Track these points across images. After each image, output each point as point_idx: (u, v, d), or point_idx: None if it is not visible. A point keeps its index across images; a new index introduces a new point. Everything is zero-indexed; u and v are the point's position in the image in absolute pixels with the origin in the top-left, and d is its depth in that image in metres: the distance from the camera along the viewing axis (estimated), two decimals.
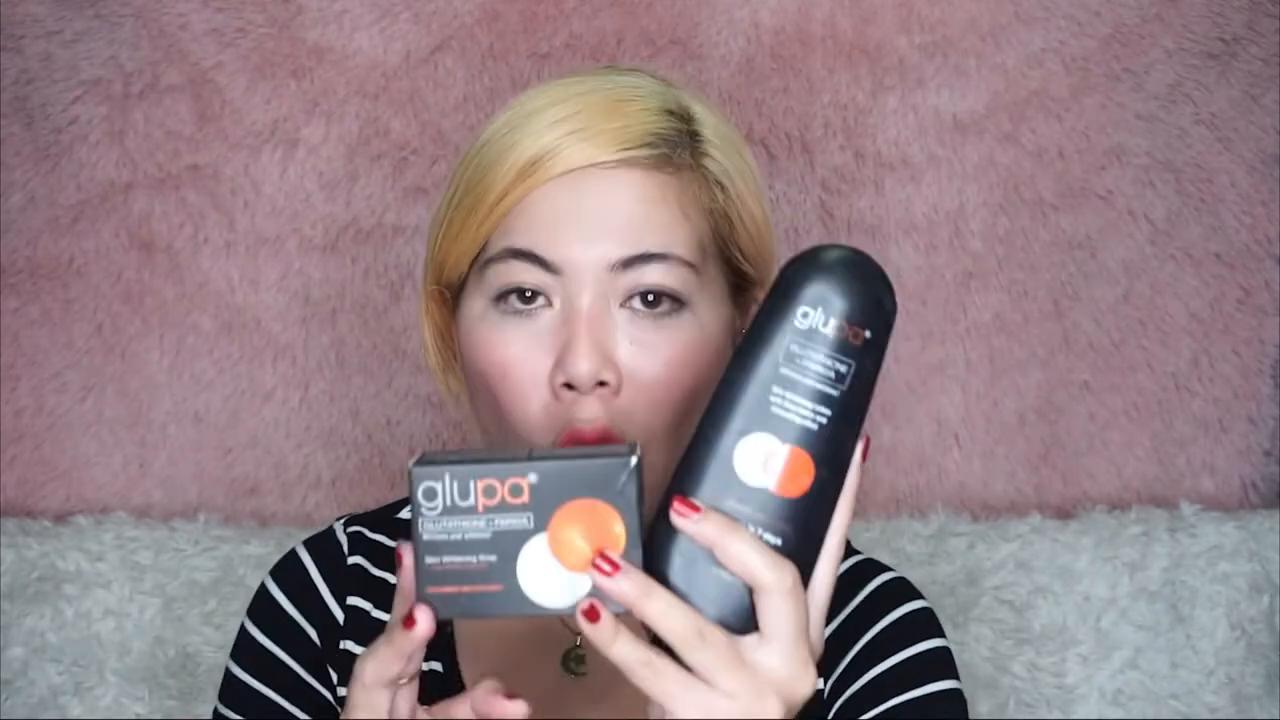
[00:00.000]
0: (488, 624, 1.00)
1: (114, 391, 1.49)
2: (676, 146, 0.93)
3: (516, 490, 0.72)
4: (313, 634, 1.02)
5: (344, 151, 1.49)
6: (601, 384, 0.89)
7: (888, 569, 1.02)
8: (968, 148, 1.50)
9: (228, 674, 1.03)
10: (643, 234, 0.90)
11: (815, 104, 1.50)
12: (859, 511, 1.48)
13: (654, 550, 0.73)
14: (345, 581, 1.02)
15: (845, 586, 0.99)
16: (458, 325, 0.97)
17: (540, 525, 0.72)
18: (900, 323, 1.49)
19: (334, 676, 1.01)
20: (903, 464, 1.51)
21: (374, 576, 1.03)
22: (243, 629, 1.04)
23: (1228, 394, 1.51)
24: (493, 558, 0.72)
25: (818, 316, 0.72)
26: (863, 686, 0.96)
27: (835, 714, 0.96)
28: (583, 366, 0.88)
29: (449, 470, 0.72)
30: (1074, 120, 1.50)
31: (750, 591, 0.73)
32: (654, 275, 0.90)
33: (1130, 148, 1.50)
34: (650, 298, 0.90)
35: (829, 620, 0.96)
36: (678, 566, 0.73)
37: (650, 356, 0.90)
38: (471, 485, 0.72)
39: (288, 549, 1.06)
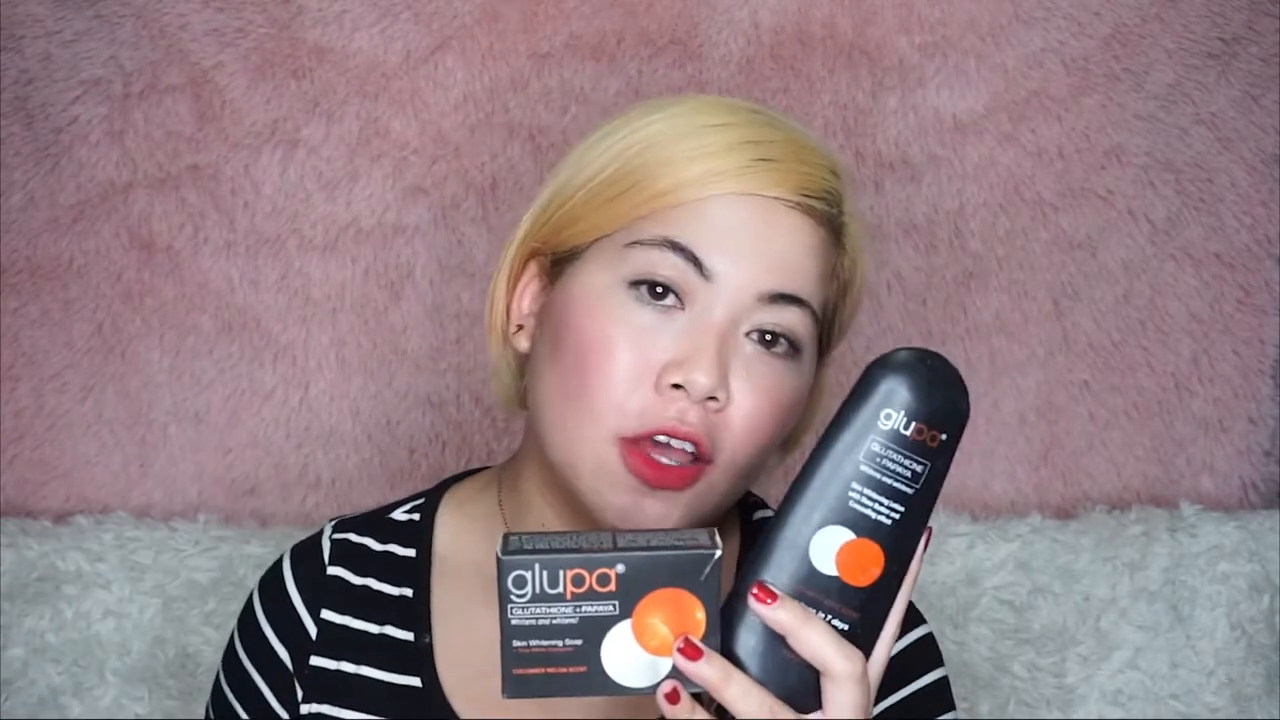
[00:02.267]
0: (466, 634, 0.99)
1: (114, 391, 1.49)
2: (838, 210, 0.96)
3: (604, 580, 0.76)
4: (284, 655, 1.01)
5: (344, 151, 1.49)
6: (712, 399, 0.90)
7: None
8: (968, 148, 1.50)
9: (217, 680, 1.04)
10: (796, 277, 0.93)
11: (815, 104, 1.50)
12: None
13: (727, 625, 0.78)
14: (321, 594, 1.01)
15: None
16: (560, 291, 0.95)
17: (626, 612, 0.76)
18: (900, 322, 1.50)
19: (299, 693, 0.99)
20: None
21: (354, 586, 1.01)
22: (232, 637, 1.04)
23: (1228, 394, 1.51)
24: (579, 642, 0.76)
25: (900, 419, 0.78)
26: None
27: None
28: (707, 375, 0.89)
29: (539, 560, 0.76)
30: (1074, 120, 1.50)
31: (816, 674, 0.78)
32: (789, 318, 0.92)
33: (1130, 148, 1.50)
34: (770, 338, 0.92)
35: None
36: (749, 646, 0.78)
37: (760, 391, 0.91)
38: (561, 574, 0.76)
39: (287, 548, 1.06)
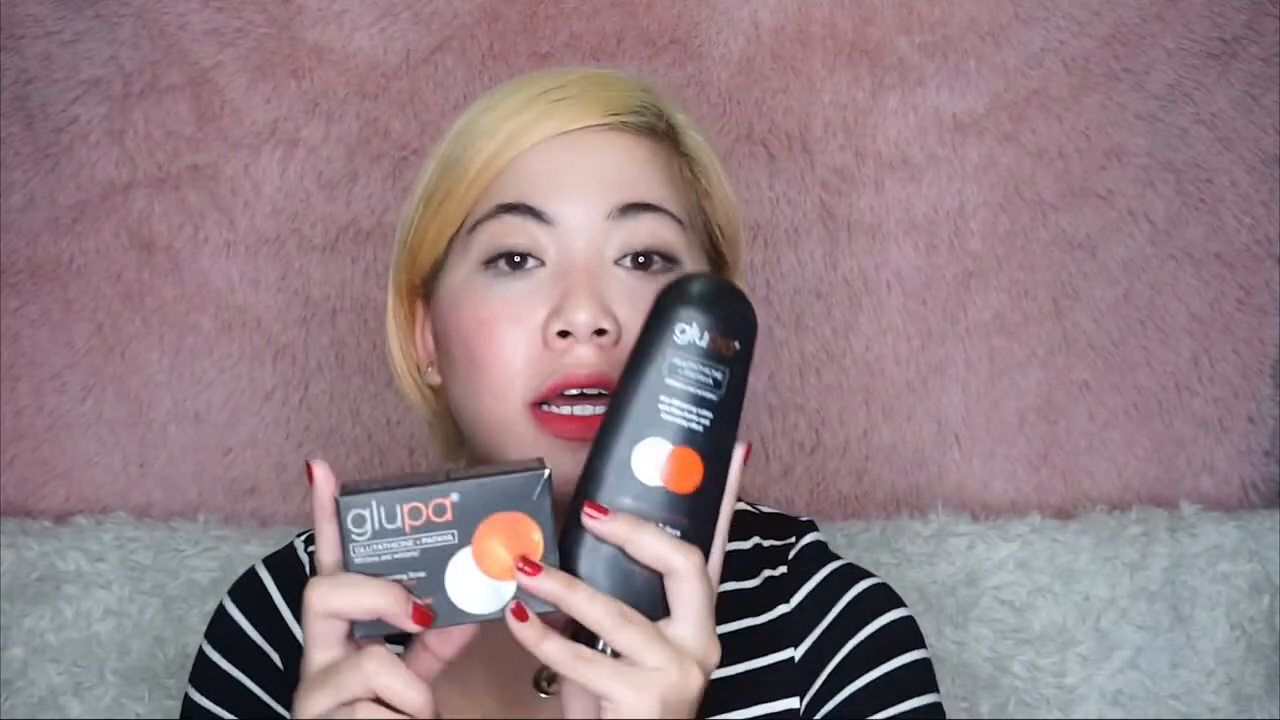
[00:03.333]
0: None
1: (114, 391, 1.49)
2: (659, 119, 0.96)
3: (440, 510, 0.77)
4: (275, 657, 0.99)
5: (344, 151, 1.49)
6: (600, 332, 0.89)
7: (869, 575, 1.00)
8: (968, 147, 1.50)
9: (185, 700, 1.01)
10: (636, 185, 0.93)
11: (815, 104, 1.50)
12: (859, 512, 1.49)
13: (568, 552, 0.80)
14: None
15: (825, 593, 0.98)
16: (434, 306, 0.96)
17: (465, 540, 0.78)
18: (900, 322, 1.50)
19: None
20: (903, 464, 1.51)
21: None
22: (200, 653, 1.01)
23: (1228, 394, 1.51)
24: (422, 574, 0.77)
25: (694, 332, 0.81)
26: (841, 702, 0.94)
27: None
28: (583, 312, 0.89)
29: (375, 497, 0.77)
30: (1074, 120, 1.50)
31: (659, 580, 0.80)
32: (647, 225, 0.92)
33: (1130, 148, 1.50)
34: (642, 259, 0.92)
35: (810, 630, 0.97)
36: (591, 565, 0.80)
37: (645, 311, 0.89)
38: (398, 509, 0.77)
39: (255, 564, 1.04)
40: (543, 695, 0.97)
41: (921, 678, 0.97)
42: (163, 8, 1.47)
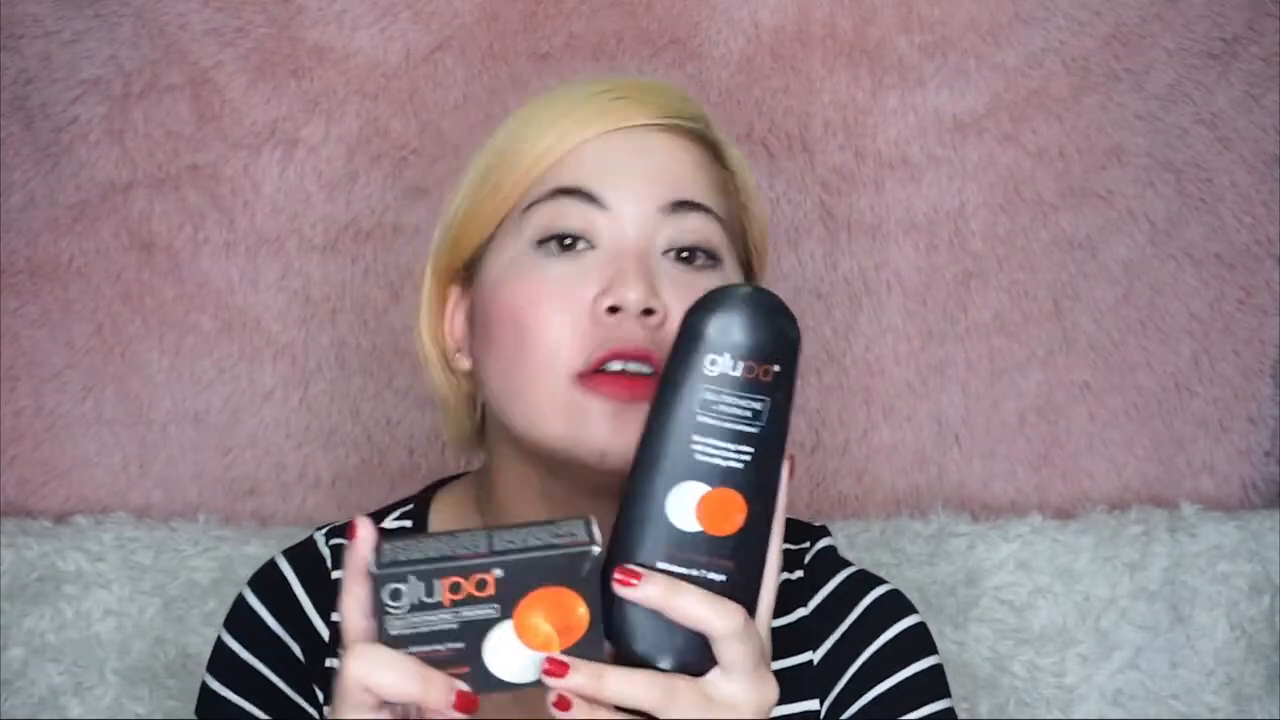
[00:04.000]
0: None
1: (114, 391, 1.49)
2: (705, 125, 0.99)
3: (481, 585, 0.74)
4: (296, 649, 1.00)
5: (344, 151, 1.49)
6: (648, 312, 0.91)
7: (882, 581, 1.02)
8: (968, 147, 1.50)
9: (204, 689, 1.01)
10: (687, 185, 0.96)
11: (815, 104, 1.50)
12: (859, 512, 1.49)
13: (611, 618, 0.76)
14: (330, 596, 1.00)
15: (839, 602, 1.00)
16: (476, 287, 0.98)
17: (506, 614, 0.75)
18: (900, 322, 1.50)
19: (320, 695, 0.99)
20: (903, 464, 1.51)
21: None
22: (220, 642, 1.02)
23: (1228, 394, 1.51)
24: (460, 645, 0.75)
25: (725, 362, 0.76)
26: (859, 710, 0.96)
27: None
28: (636, 289, 0.90)
29: (413, 571, 0.74)
30: (1074, 120, 1.50)
31: (704, 640, 0.76)
32: (695, 223, 0.95)
33: (1130, 148, 1.50)
34: (686, 254, 0.94)
35: (828, 635, 0.99)
36: (632, 625, 0.76)
37: (693, 298, 0.90)
38: (436, 584, 0.74)
39: (275, 555, 1.04)
40: None
41: (935, 684, 0.98)
42: (163, 7, 1.47)
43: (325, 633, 1.00)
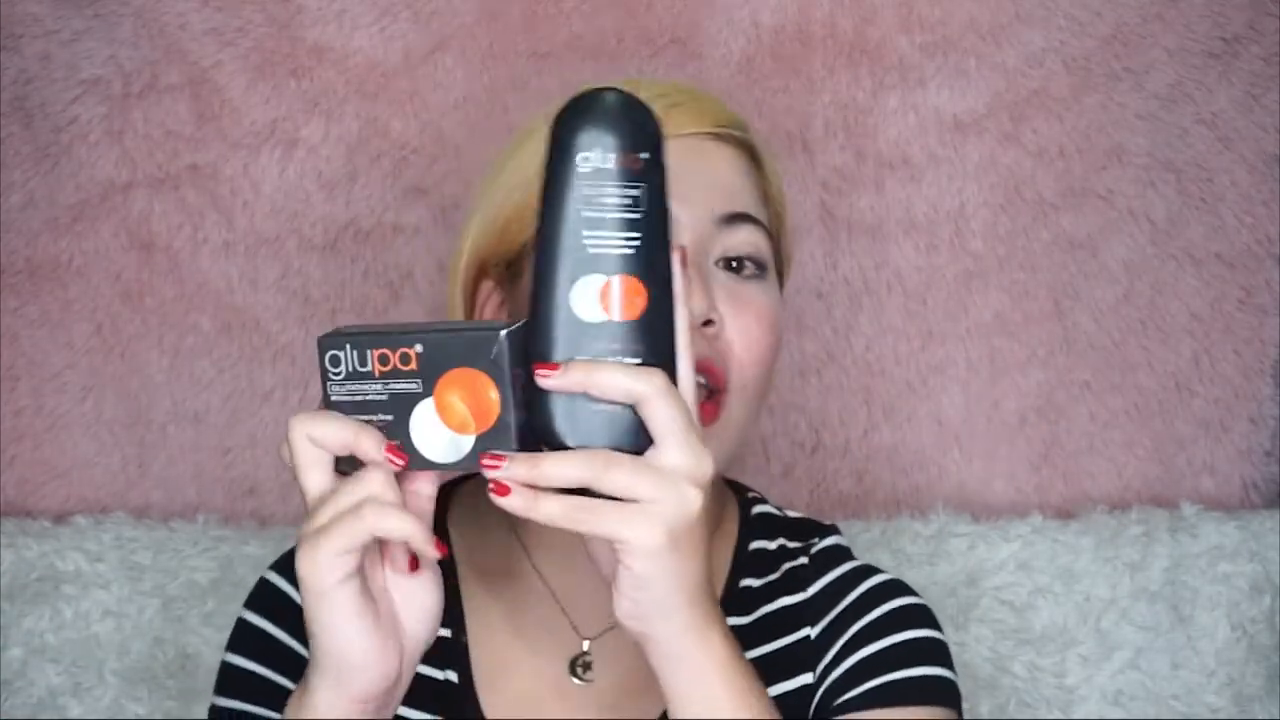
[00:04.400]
0: (497, 632, 1.00)
1: (113, 391, 1.49)
2: (749, 134, 1.01)
3: (405, 359, 0.81)
4: None
5: (344, 151, 1.49)
6: (708, 323, 0.93)
7: (884, 572, 1.03)
8: (968, 147, 1.50)
9: (225, 666, 1.02)
10: (740, 196, 0.98)
11: (815, 104, 1.50)
12: (859, 512, 1.49)
13: (540, 416, 0.79)
14: None
15: (840, 587, 1.02)
16: (518, 285, 0.98)
17: (428, 390, 0.81)
18: (900, 322, 1.50)
19: None
20: (903, 464, 1.51)
21: None
22: (242, 621, 1.03)
23: (1228, 394, 1.51)
24: (390, 418, 0.81)
25: (597, 156, 0.79)
26: (849, 668, 0.97)
27: (821, 696, 0.97)
28: (698, 300, 0.92)
29: (349, 340, 0.82)
30: (1074, 120, 1.50)
31: (633, 412, 0.78)
32: (746, 235, 0.97)
33: (1131, 147, 1.50)
34: (736, 264, 0.97)
35: (826, 613, 1.00)
36: (564, 422, 0.79)
37: (745, 309, 0.96)
38: (369, 354, 0.81)
39: (286, 549, 1.04)
40: (577, 682, 0.99)
41: (932, 651, 0.99)
42: (162, 7, 1.47)
43: None
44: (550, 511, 0.78)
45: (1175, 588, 1.42)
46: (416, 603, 0.84)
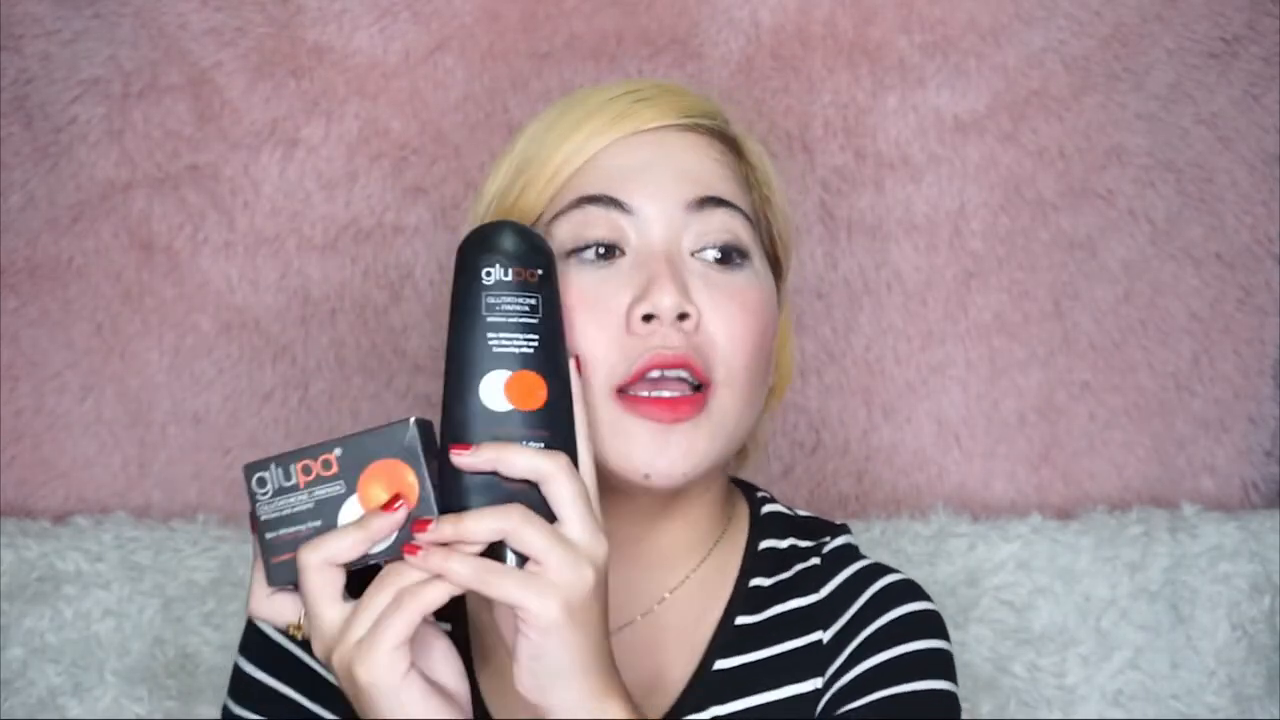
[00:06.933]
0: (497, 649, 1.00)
1: (114, 391, 1.49)
2: (724, 122, 1.01)
3: (327, 465, 0.88)
4: (321, 670, 1.00)
5: (344, 151, 1.49)
6: (683, 316, 0.93)
7: (896, 571, 1.03)
8: (968, 147, 1.50)
9: (238, 672, 1.02)
10: (711, 181, 0.97)
11: (815, 104, 1.50)
12: (859, 512, 1.49)
13: (452, 493, 0.86)
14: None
15: (852, 587, 1.01)
16: None
17: (351, 488, 0.87)
18: (900, 322, 1.50)
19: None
20: (903, 464, 1.51)
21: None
22: (251, 626, 1.03)
23: (1228, 394, 1.51)
24: (318, 523, 0.87)
25: (498, 271, 0.89)
26: (855, 678, 0.97)
27: (825, 704, 0.97)
28: (669, 294, 0.93)
29: (274, 460, 0.88)
30: (1074, 120, 1.50)
31: (537, 490, 0.85)
32: (720, 220, 0.97)
33: (1131, 147, 1.50)
34: (716, 254, 0.96)
35: (838, 616, 1.00)
36: (474, 498, 0.86)
37: (725, 298, 0.95)
38: (292, 468, 0.88)
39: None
40: None
41: (937, 664, 0.98)
42: (162, 7, 1.47)
43: None
44: (460, 572, 0.83)
45: (1175, 588, 1.42)
46: (449, 664, 0.88)
